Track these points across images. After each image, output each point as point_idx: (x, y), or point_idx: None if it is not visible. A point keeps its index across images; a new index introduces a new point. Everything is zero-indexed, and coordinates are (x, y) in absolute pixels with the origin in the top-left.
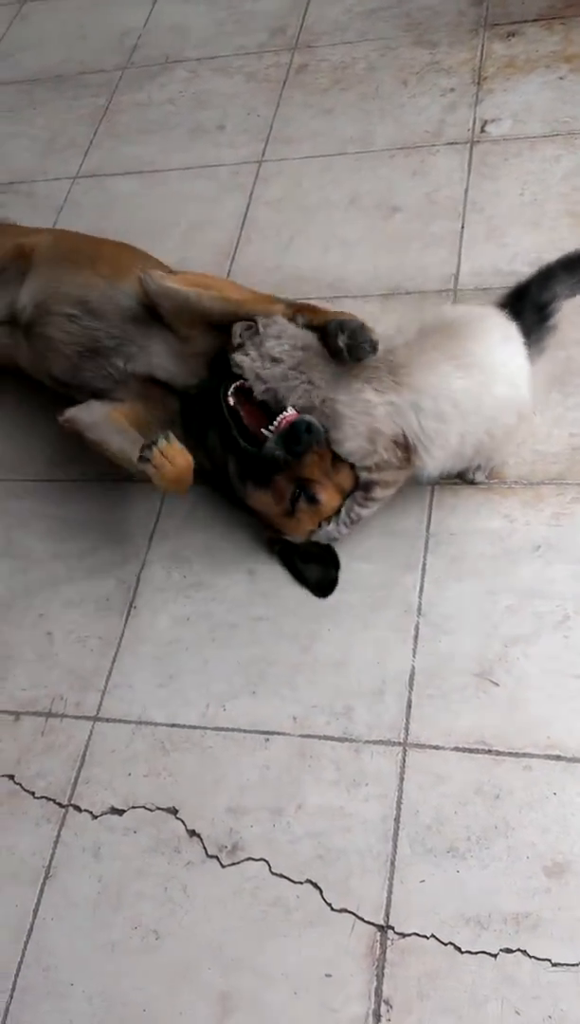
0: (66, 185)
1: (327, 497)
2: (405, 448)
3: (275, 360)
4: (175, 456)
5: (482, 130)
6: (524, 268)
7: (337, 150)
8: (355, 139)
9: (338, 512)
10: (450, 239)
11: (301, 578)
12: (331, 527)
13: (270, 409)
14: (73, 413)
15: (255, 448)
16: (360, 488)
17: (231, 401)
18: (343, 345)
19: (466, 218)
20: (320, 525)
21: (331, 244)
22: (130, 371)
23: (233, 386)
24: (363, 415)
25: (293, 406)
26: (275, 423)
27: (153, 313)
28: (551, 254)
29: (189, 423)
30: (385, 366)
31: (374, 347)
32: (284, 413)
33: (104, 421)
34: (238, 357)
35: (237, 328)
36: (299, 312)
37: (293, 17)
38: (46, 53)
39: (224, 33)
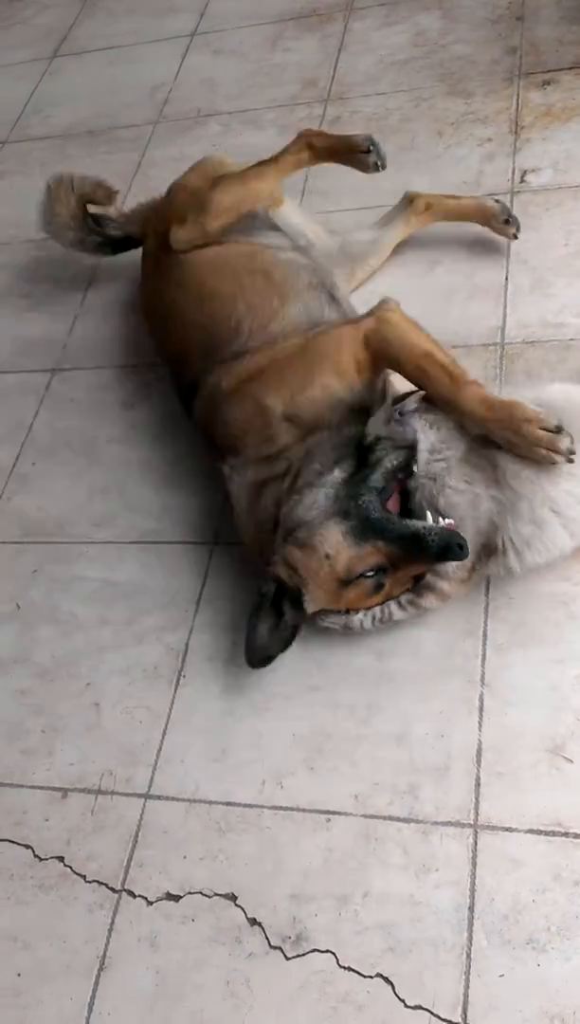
0: None
1: (387, 592)
2: (483, 559)
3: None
4: None
5: (522, 180)
6: (572, 319)
7: (376, 203)
8: (393, 191)
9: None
10: (494, 291)
11: (249, 629)
12: (358, 618)
13: (406, 491)
14: None
15: (391, 521)
16: (413, 590)
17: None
18: None
19: (510, 269)
20: (348, 612)
21: (373, 299)
22: None
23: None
24: (473, 512)
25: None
26: (444, 522)
27: None
28: None
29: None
30: (490, 464)
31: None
32: (448, 520)
33: None
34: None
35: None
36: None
37: (324, 69)
38: (77, 108)
39: (255, 86)
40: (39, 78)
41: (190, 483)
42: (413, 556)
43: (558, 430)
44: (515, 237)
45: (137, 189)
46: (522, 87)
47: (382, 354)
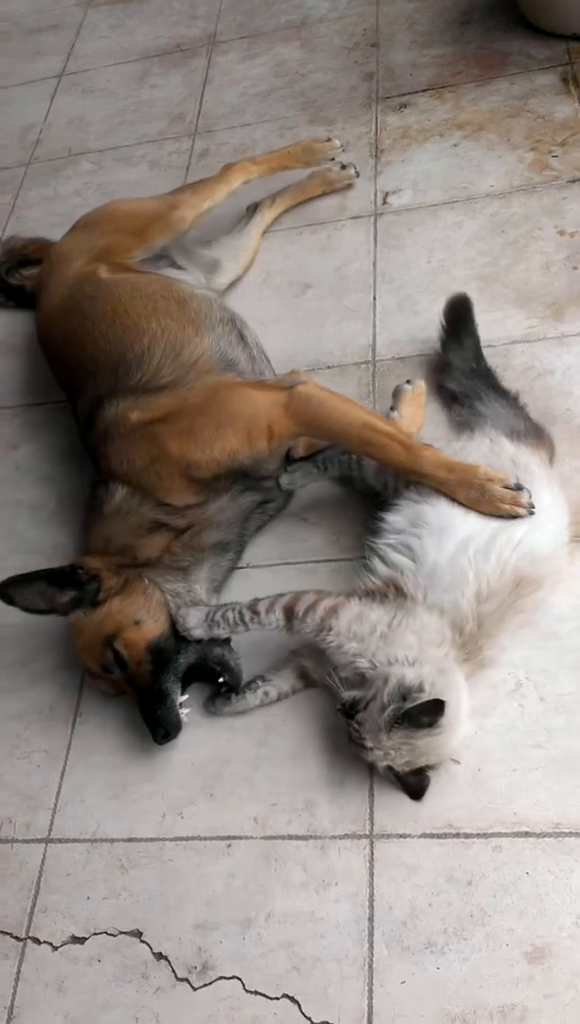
0: None
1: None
2: None
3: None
4: None
5: (384, 202)
6: (438, 334)
7: None
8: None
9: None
10: (364, 311)
11: (34, 573)
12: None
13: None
14: None
15: (167, 672)
16: None
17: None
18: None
19: (377, 289)
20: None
21: (247, 323)
22: None
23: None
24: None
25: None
26: (184, 712)
27: None
28: None
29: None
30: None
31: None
32: (183, 713)
33: None
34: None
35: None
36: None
37: (190, 103)
38: None
39: (125, 123)
40: None
41: (80, 519)
42: (142, 700)
43: (519, 487)
44: (357, 174)
45: (14, 231)
46: (380, 111)
47: (312, 428)
